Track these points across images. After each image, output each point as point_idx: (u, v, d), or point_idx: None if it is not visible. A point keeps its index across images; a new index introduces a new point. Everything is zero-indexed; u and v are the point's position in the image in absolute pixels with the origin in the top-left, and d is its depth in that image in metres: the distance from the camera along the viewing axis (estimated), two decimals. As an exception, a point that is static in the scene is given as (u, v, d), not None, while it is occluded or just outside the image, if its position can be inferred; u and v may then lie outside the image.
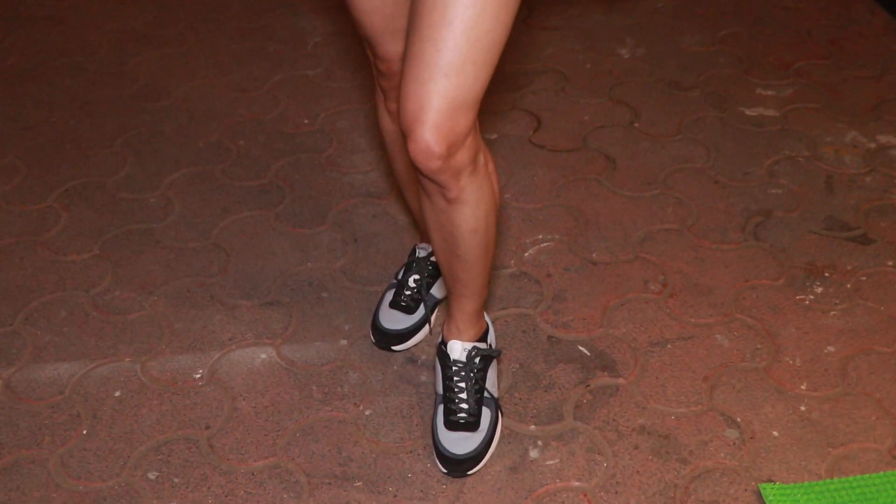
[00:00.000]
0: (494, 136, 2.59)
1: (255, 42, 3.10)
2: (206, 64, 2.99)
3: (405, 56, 1.44)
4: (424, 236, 2.03)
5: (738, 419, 1.80)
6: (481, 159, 1.53)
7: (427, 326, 1.99)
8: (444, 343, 1.79)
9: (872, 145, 2.53)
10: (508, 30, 1.42)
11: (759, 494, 1.66)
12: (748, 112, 2.68)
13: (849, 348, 1.94)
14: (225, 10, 3.29)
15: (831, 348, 1.94)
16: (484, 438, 1.74)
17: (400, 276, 2.03)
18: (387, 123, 1.81)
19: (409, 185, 1.91)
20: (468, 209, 1.54)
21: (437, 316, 2.02)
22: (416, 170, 1.49)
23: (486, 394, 1.78)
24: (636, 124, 2.65)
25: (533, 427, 1.80)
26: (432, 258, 2.01)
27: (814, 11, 3.17)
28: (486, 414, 1.76)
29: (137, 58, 3.04)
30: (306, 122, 2.70)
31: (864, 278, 2.11)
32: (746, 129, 2.61)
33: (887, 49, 2.96)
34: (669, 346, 1.96)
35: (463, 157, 1.47)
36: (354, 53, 2.98)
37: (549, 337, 1.99)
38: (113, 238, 2.29)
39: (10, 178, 2.50)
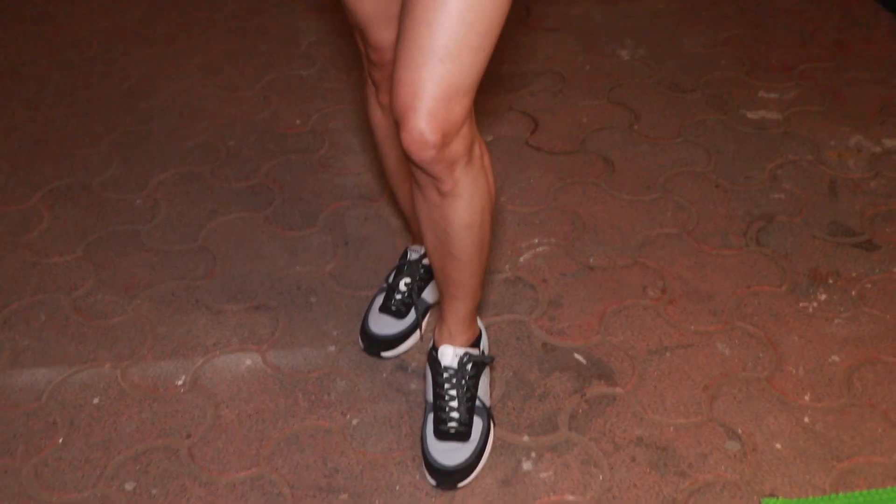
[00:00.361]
0: (491, 138, 2.53)
1: (247, 41, 3.04)
2: (198, 63, 2.93)
3: (398, 41, 1.38)
4: (417, 238, 1.97)
5: (740, 431, 1.73)
6: (477, 151, 1.47)
7: (418, 332, 1.93)
8: (435, 348, 1.72)
9: (877, 149, 2.47)
10: (506, 13, 1.37)
11: (760, 510, 1.60)
12: (750, 115, 2.62)
13: (854, 358, 1.88)
14: (218, 9, 3.24)
15: (836, 357, 1.88)
16: (475, 449, 1.67)
17: (391, 280, 1.97)
18: (378, 118, 1.75)
19: (400, 182, 1.85)
20: (462, 203, 1.48)
21: (428, 321, 1.96)
22: (408, 161, 1.43)
23: (477, 402, 1.71)
24: (635, 127, 2.59)
25: (526, 438, 1.74)
26: (424, 261, 1.95)
27: (817, 14, 3.12)
28: (477, 423, 1.70)
29: (127, 56, 2.98)
30: (298, 122, 2.64)
31: (869, 285, 2.05)
32: (748, 133, 2.55)
33: (892, 52, 2.90)
34: (668, 354, 1.90)
35: (458, 146, 1.41)
36: (348, 53, 2.92)
37: (544, 344, 1.93)
38: (97, 240, 2.23)
39: (-7, 177, 2.45)
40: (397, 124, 1.39)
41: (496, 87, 2.71)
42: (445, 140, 1.38)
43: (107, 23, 3.16)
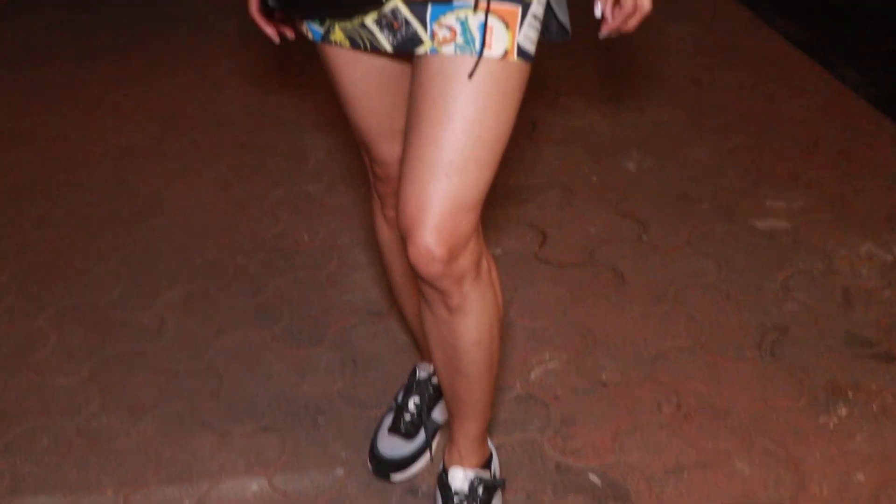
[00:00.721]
0: (499, 252, 2.52)
1: (257, 157, 3.07)
2: (207, 179, 2.96)
3: (403, 155, 1.38)
4: (425, 355, 1.94)
5: (764, 555, 1.67)
6: (484, 265, 1.46)
7: (428, 453, 1.88)
8: (445, 471, 1.68)
9: (889, 257, 2.45)
10: (511, 127, 1.38)
11: None
12: (759, 224, 2.62)
13: (880, 476, 1.82)
14: (228, 126, 3.28)
15: (861, 476, 1.82)
16: (489, 579, 1.61)
17: (400, 400, 1.93)
18: (384, 232, 1.74)
19: (407, 297, 1.83)
20: (471, 319, 1.46)
21: (438, 442, 1.91)
22: (416, 277, 1.42)
23: (490, 529, 1.66)
24: (644, 238, 2.58)
25: (542, 565, 1.67)
26: (433, 379, 1.91)
27: (820, 123, 3.14)
28: (490, 551, 1.64)
29: (138, 173, 3.01)
30: (306, 238, 2.64)
31: (890, 398, 2.00)
32: (758, 242, 2.54)
33: (898, 159, 2.91)
34: (686, 473, 1.84)
35: (465, 261, 1.40)
36: (356, 169, 2.94)
37: (558, 464, 1.88)
38: (103, 360, 2.21)
39: (0, 297, 2.44)
40: (404, 239, 1.39)
41: (503, 199, 2.72)
42: (452, 254, 1.38)
43: (119, 140, 3.20)
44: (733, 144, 3.03)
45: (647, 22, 1.37)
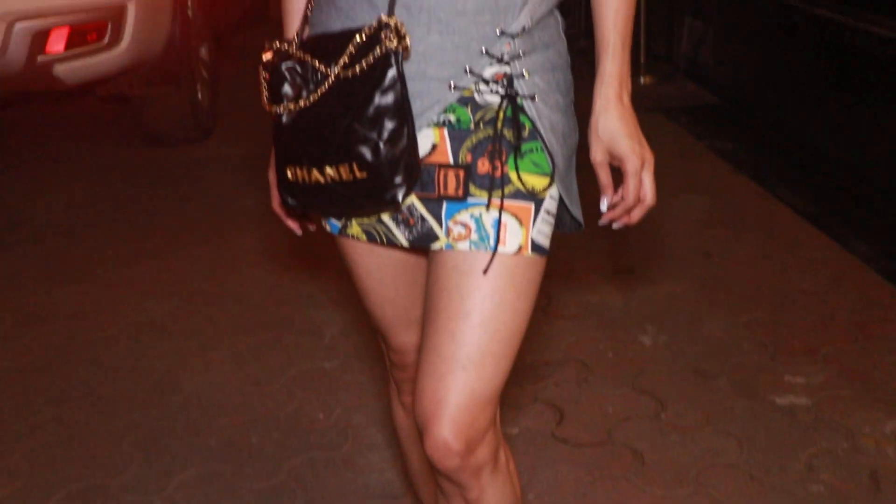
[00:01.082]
0: (516, 431, 2.49)
1: (272, 334, 3.09)
2: (222, 356, 2.96)
3: (421, 348, 1.40)
4: (443, 544, 1.89)
5: None
6: (502, 456, 1.45)
7: None
8: None
9: (914, 436, 2.41)
10: (527, 320, 1.40)
11: None
12: (779, 400, 2.59)
13: None
14: (244, 302, 3.31)
15: None
16: None
17: None
18: (401, 417, 1.74)
19: (424, 483, 1.80)
20: None
21: None
22: (433, 469, 1.40)
23: None
24: (663, 416, 2.55)
25: None
26: (451, 572, 1.85)
27: (834, 296, 3.15)
28: None
29: (154, 351, 3.02)
30: (321, 416, 2.62)
31: (926, 589, 1.92)
32: (779, 419, 2.50)
33: (915, 333, 2.90)
34: None
35: (483, 453, 1.38)
36: (372, 345, 2.94)
37: None
38: (111, 548, 2.16)
39: (10, 480, 2.40)
40: (420, 431, 1.38)
41: (520, 377, 2.70)
42: (470, 447, 1.37)
43: (136, 317, 3.23)
44: (748, 318, 3.03)
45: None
